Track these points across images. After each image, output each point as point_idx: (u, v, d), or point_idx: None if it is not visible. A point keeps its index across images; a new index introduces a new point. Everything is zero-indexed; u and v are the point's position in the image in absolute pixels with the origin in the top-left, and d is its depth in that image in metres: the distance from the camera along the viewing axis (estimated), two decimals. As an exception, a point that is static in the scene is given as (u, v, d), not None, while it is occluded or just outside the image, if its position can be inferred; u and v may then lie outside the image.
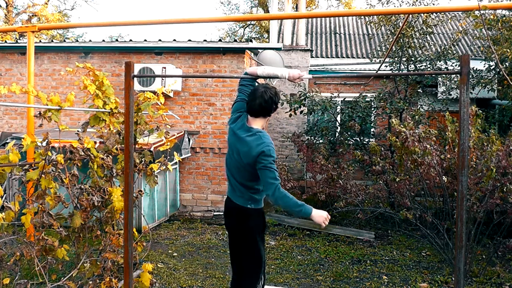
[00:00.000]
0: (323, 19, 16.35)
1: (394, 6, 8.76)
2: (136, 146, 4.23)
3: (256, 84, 3.09)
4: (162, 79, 7.55)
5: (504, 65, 7.56)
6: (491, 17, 7.24)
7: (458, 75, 2.35)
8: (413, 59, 8.55)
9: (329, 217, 2.70)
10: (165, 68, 7.60)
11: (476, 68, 8.58)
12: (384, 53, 9.27)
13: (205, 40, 8.36)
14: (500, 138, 5.49)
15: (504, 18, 7.60)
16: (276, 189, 2.69)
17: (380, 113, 8.31)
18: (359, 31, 15.50)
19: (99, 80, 3.88)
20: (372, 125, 8.99)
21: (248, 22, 25.43)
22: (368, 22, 10.90)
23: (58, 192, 3.46)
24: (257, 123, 2.96)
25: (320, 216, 2.68)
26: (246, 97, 3.00)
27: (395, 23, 8.66)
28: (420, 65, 8.58)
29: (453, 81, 8.63)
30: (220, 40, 8.43)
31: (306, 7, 16.02)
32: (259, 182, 2.88)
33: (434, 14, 10.09)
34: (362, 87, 10.44)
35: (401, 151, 5.29)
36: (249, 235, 3.00)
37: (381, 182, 6.46)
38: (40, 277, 3.44)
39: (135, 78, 4.91)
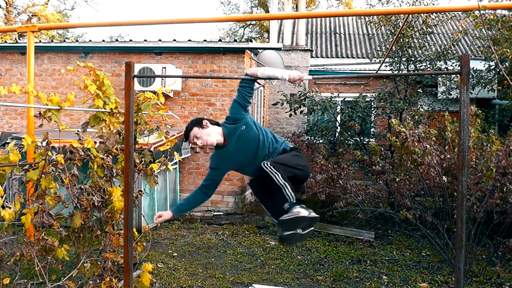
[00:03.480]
0: (323, 19, 16.34)
1: (394, 6, 8.76)
2: (136, 146, 4.24)
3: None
4: (162, 79, 7.55)
5: (504, 65, 7.56)
6: (491, 17, 7.25)
7: (458, 75, 2.36)
8: (413, 59, 8.55)
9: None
10: (165, 68, 7.60)
11: (476, 68, 8.58)
12: (384, 53, 9.27)
13: (205, 40, 8.36)
14: (500, 138, 5.49)
15: (504, 18, 7.61)
16: None
17: (380, 113, 8.30)
18: (359, 31, 15.50)
19: (99, 80, 3.88)
20: (372, 125, 8.99)
21: (248, 22, 25.43)
22: (368, 22, 10.92)
23: (58, 192, 3.46)
24: None
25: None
26: (241, 98, 3.02)
27: (395, 23, 8.66)
28: (420, 65, 8.57)
29: (453, 81, 8.62)
30: (220, 40, 8.43)
31: (306, 7, 15.99)
32: None
33: (434, 14, 10.08)
34: (362, 87, 10.44)
35: (401, 151, 5.29)
36: None
37: (381, 182, 6.46)
38: (40, 277, 3.44)
39: (135, 78, 4.91)
